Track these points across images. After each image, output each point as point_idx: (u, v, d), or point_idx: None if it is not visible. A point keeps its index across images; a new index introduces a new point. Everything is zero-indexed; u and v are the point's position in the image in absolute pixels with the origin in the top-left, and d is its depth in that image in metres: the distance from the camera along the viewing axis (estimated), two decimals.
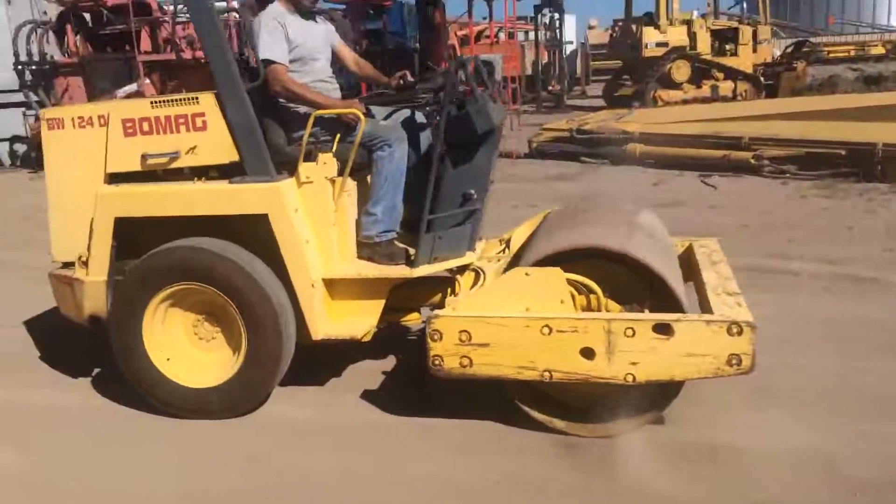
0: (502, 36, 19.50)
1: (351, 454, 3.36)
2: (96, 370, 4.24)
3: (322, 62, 3.96)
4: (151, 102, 3.77)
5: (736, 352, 3.01)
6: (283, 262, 3.61)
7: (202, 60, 12.35)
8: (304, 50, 3.81)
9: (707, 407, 3.44)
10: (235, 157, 3.66)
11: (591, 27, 28.35)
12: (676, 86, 16.65)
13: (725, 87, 16.69)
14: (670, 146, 10.36)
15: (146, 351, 3.67)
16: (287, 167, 3.69)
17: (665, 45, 17.39)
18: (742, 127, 10.38)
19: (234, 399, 3.66)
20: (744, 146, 9.65)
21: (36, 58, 12.58)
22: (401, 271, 3.66)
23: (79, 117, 3.82)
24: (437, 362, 3.24)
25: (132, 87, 11.74)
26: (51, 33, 12.90)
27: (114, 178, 3.79)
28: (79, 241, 3.83)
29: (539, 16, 20.94)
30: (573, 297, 3.33)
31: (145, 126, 3.72)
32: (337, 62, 4.17)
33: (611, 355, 3.09)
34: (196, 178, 3.75)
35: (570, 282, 3.31)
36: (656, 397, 3.29)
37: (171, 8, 12.29)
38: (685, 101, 15.74)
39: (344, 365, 4.18)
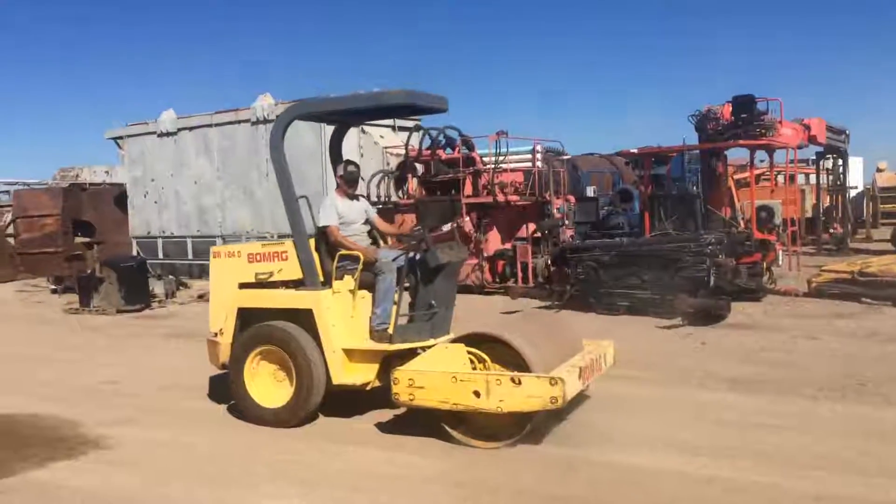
0: (781, 179, 20.03)
1: (332, 444, 5.57)
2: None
3: (357, 225, 6.65)
4: (262, 245, 6.61)
5: (555, 395, 4.92)
6: (319, 336, 5.98)
7: (511, 203, 14.80)
8: (347, 218, 6.53)
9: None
10: (302, 276, 6.23)
11: (879, 170, 27.45)
12: None
13: None
14: None
15: (245, 384, 6.23)
16: (329, 283, 6.14)
17: None
18: None
19: (285, 416, 6.06)
20: None
21: (382, 198, 15.84)
22: (385, 347, 5.95)
23: (227, 252, 6.76)
24: (396, 396, 5.43)
25: (454, 224, 14.31)
26: (393, 180, 16.07)
27: (241, 286, 6.52)
28: (221, 319, 6.54)
29: (821, 161, 21.26)
30: (473, 362, 5.53)
31: (258, 258, 6.51)
32: (370, 223, 6.81)
33: (489, 395, 5.10)
34: (283, 287, 6.38)
35: (470, 353, 5.54)
36: (519, 423, 5.23)
37: (491, 160, 14.92)
38: None
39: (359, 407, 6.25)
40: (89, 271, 14.72)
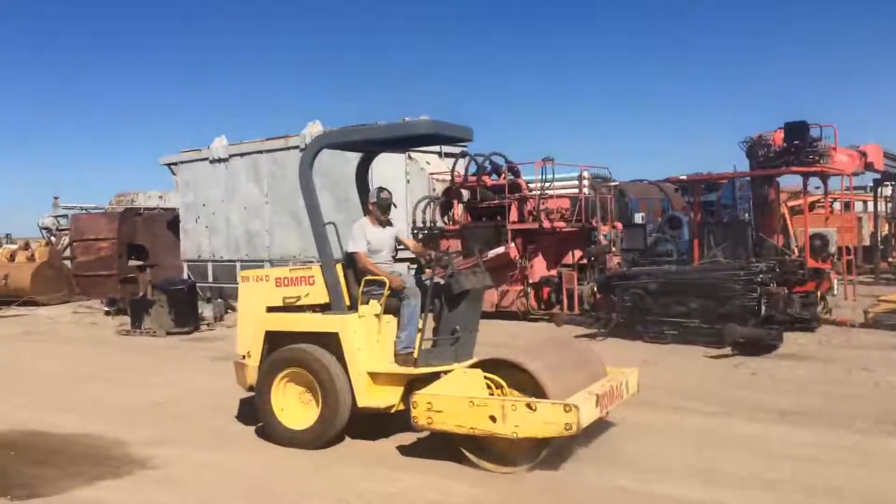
0: (837, 206, 19.57)
1: (363, 468, 5.61)
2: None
3: (384, 253, 6.70)
4: (289, 269, 6.67)
5: (569, 421, 4.86)
6: (344, 359, 6.03)
7: (556, 229, 14.72)
8: (375, 245, 6.60)
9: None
10: (328, 300, 6.29)
11: None
12: None
13: None
14: None
15: (272, 406, 6.30)
16: (355, 307, 6.21)
17: None
18: None
19: (311, 437, 6.10)
20: None
21: (428, 224, 15.92)
22: (409, 370, 5.98)
23: (256, 276, 6.86)
24: (415, 419, 5.45)
25: (500, 249, 14.29)
26: (439, 206, 16.16)
27: (269, 310, 6.61)
28: (249, 342, 6.63)
29: (879, 188, 20.73)
30: (490, 387, 5.56)
31: (286, 282, 6.58)
32: (401, 245, 6.96)
33: (504, 420, 5.08)
34: (310, 311, 6.43)
35: (487, 378, 5.56)
36: (536, 449, 5.21)
37: (537, 186, 14.90)
38: None
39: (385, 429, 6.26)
40: (141, 294, 15.05)
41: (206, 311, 15.54)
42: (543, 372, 5.37)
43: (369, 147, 7.13)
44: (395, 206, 6.97)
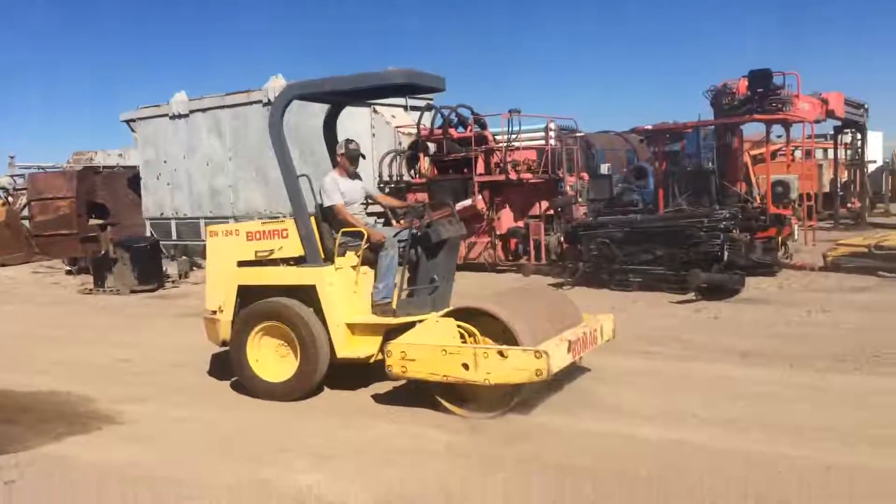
0: (799, 154, 19.81)
1: (338, 418, 5.60)
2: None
3: (355, 205, 6.80)
4: (261, 223, 6.61)
5: (539, 367, 4.92)
6: (323, 311, 6.01)
7: (523, 181, 14.72)
8: (348, 197, 6.63)
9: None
10: (303, 253, 6.25)
11: None
12: None
13: None
14: None
15: (248, 360, 6.26)
16: (331, 259, 6.16)
17: None
18: None
19: (290, 390, 6.08)
20: None
21: (395, 178, 15.81)
22: (389, 320, 5.96)
23: (225, 231, 6.78)
24: (389, 368, 5.51)
25: (467, 202, 14.29)
26: (405, 159, 16.04)
27: (240, 264, 6.54)
28: (220, 298, 6.57)
29: (839, 135, 21.01)
30: (463, 335, 5.56)
31: (258, 235, 6.51)
32: (373, 200, 7.11)
33: (477, 367, 5.16)
34: (283, 264, 6.38)
35: (460, 327, 5.57)
36: (509, 395, 5.30)
37: (504, 139, 14.85)
38: None
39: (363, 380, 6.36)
40: (103, 252, 14.80)
41: (171, 268, 15.37)
42: (515, 319, 5.40)
43: (340, 98, 7.01)
44: (363, 157, 6.92)
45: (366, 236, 6.31)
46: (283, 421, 5.75)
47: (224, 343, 6.62)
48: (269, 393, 6.20)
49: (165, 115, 18.93)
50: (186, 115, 18.59)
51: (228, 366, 6.84)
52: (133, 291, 13.73)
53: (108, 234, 16.87)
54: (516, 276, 13.60)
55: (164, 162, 19.14)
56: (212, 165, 18.29)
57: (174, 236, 18.99)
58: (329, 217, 6.50)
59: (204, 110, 18.32)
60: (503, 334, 5.39)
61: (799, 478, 4.19)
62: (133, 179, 20.43)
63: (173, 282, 14.97)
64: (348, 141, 6.77)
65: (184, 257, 16.46)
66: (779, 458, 4.51)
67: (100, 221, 19.14)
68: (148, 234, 18.84)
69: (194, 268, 16.26)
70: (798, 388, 5.91)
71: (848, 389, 5.86)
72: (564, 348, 5.32)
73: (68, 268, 17.51)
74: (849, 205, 21.33)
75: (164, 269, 14.93)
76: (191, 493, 4.43)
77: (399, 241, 6.34)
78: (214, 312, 6.68)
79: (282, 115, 6.38)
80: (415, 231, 6.34)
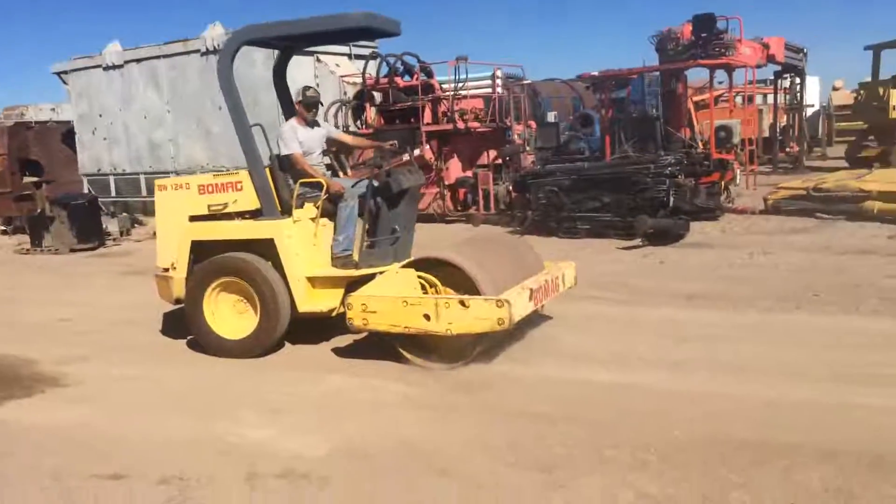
0: (739, 100, 20.07)
1: (297, 373, 5.64)
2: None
3: (315, 154, 6.55)
4: (213, 175, 6.37)
5: (501, 316, 4.89)
6: (282, 265, 5.89)
7: (471, 130, 14.62)
8: (306, 147, 6.43)
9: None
10: (259, 206, 6.09)
11: (835, 89, 27.64)
12: None
13: None
14: None
15: (205, 318, 6.10)
16: (288, 212, 5.99)
17: None
18: None
19: (251, 347, 5.98)
20: None
21: (340, 128, 15.54)
22: (350, 272, 5.90)
23: (175, 185, 6.53)
24: (350, 321, 5.42)
25: (415, 152, 14.14)
26: (351, 109, 15.76)
27: (192, 219, 6.32)
28: (172, 254, 6.38)
29: (779, 80, 21.34)
30: (424, 286, 5.54)
31: (210, 189, 6.29)
32: (337, 144, 6.84)
33: (438, 318, 5.10)
34: (238, 218, 6.20)
35: (421, 278, 5.54)
36: (471, 345, 5.29)
37: (451, 87, 14.68)
38: None
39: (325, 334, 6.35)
40: (39, 211, 14.30)
41: (111, 225, 14.96)
42: (476, 268, 5.36)
43: (293, 43, 6.78)
44: (322, 104, 6.74)
45: (325, 187, 6.16)
46: (238, 377, 5.68)
47: (178, 301, 6.45)
48: (229, 350, 6.08)
49: (99, 66, 18.22)
50: (121, 66, 17.92)
51: (181, 324, 6.73)
52: (73, 250, 13.34)
53: (43, 192, 16.28)
54: (466, 226, 13.60)
55: (100, 116, 18.49)
56: (150, 118, 17.73)
57: (113, 193, 18.45)
58: (287, 167, 6.32)
59: (139, 61, 17.69)
60: (465, 284, 5.36)
61: (745, 416, 4.31)
62: (67, 135, 19.68)
63: (114, 239, 14.59)
64: (306, 88, 6.57)
65: (124, 214, 16.02)
66: (725, 396, 4.63)
67: (34, 179, 18.40)
68: (85, 190, 18.26)
69: (136, 225, 15.87)
70: (743, 329, 6.06)
71: (791, 329, 6.02)
72: (526, 297, 5.30)
73: (3, 227, 16.94)
74: (787, 149, 21.78)
75: (104, 226, 14.52)
76: (139, 451, 4.36)
77: (358, 192, 6.22)
78: (167, 270, 6.49)
79: (231, 61, 6.14)
80: (374, 182, 6.20)
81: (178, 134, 17.38)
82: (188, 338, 6.57)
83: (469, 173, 14.86)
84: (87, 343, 6.95)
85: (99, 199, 15.68)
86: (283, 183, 6.23)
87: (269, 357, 6.06)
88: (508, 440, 4.19)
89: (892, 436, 3.93)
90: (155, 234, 13.94)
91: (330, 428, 4.57)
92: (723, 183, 13.08)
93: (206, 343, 6.22)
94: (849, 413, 4.26)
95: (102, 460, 4.27)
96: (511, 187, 13.51)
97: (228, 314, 6.19)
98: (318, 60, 16.07)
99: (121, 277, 10.59)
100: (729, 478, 3.61)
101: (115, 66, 17.99)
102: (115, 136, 18.30)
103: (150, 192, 17.42)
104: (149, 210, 17.57)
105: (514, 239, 6.90)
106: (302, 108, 6.50)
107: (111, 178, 18.56)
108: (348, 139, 7.19)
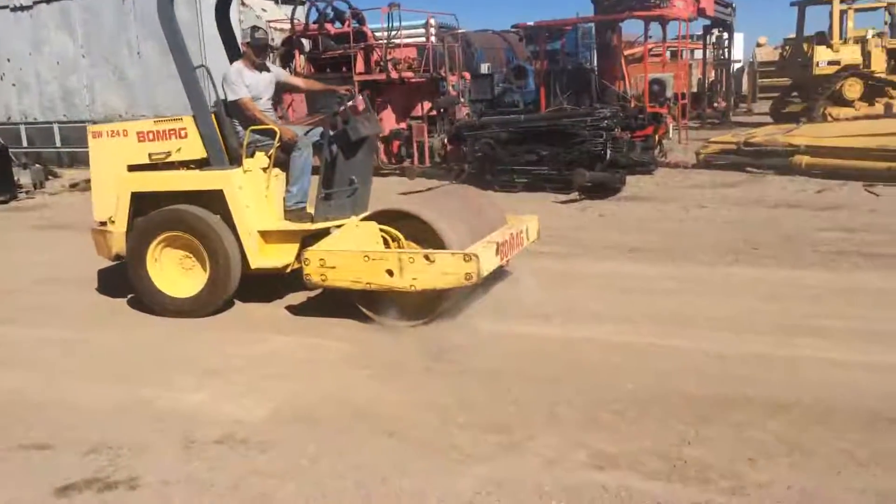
0: (669, 55, 20.22)
1: (242, 332, 5.33)
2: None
3: (263, 100, 6.06)
4: (154, 121, 5.92)
5: (469, 271, 4.72)
6: (232, 219, 5.54)
7: (405, 80, 14.27)
8: (254, 91, 5.95)
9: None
10: (205, 155, 5.72)
11: (759, 45, 28.21)
12: (848, 103, 16.82)
13: None
14: (836, 158, 11.03)
15: (149, 275, 5.74)
16: (237, 161, 5.67)
17: (837, 63, 17.52)
18: None
19: (200, 305, 5.64)
20: None
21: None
22: (306, 226, 5.60)
23: (110, 132, 6.03)
24: (308, 277, 5.13)
25: (349, 103, 13.72)
26: (279, 57, 15.18)
27: (131, 168, 5.90)
28: (110, 207, 5.94)
29: (708, 35, 21.57)
30: (386, 240, 5.26)
31: (151, 136, 5.84)
32: (290, 88, 6.59)
33: (402, 273, 4.87)
34: (182, 168, 5.83)
35: (383, 231, 5.26)
36: (434, 301, 5.07)
37: (384, 35, 14.25)
38: (856, 119, 15.93)
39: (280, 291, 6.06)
40: None
41: (24, 177, 14.07)
42: (441, 221, 5.13)
43: None
44: (272, 47, 6.33)
45: (277, 135, 5.77)
46: (177, 338, 5.36)
47: (118, 257, 6.02)
48: (176, 309, 5.71)
49: (6, 6, 17.01)
50: (30, 7, 16.79)
51: (114, 282, 6.31)
52: None
53: None
54: (401, 179, 13.32)
55: (8, 60, 17.35)
56: (63, 64, 16.71)
57: (25, 143, 17.41)
58: (234, 113, 5.91)
59: (49, 1, 16.57)
60: (427, 238, 5.12)
61: (694, 369, 4.30)
62: None
63: (27, 192, 13.76)
64: (254, 28, 6.16)
65: (37, 165, 15.10)
66: (672, 349, 4.62)
67: None
68: None
69: (50, 177, 15.02)
70: (684, 282, 6.08)
71: (732, 281, 6.07)
72: (493, 251, 5.08)
73: None
74: (714, 104, 22.15)
75: (16, 178, 13.67)
76: (68, 419, 4.07)
77: (312, 140, 5.88)
78: (104, 224, 6.04)
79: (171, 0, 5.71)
80: (330, 129, 5.78)
81: (93, 80, 16.44)
82: (127, 297, 6.19)
83: (403, 125, 14.54)
84: (6, 305, 6.49)
85: (10, 150, 14.74)
86: (230, 130, 5.83)
87: (218, 316, 5.74)
88: (459, 399, 4.07)
89: (840, 388, 3.97)
90: (72, 186, 13.25)
91: (272, 390, 4.36)
92: (657, 137, 13.16)
93: (151, 302, 5.83)
94: (796, 365, 4.28)
95: (28, 429, 3.97)
96: (446, 140, 13.28)
97: (175, 271, 5.82)
98: (244, 4, 15.36)
99: (39, 232, 9.99)
100: (684, 433, 3.57)
101: (22, 7, 16.83)
102: (26, 82, 17.21)
103: (65, 142, 16.71)
104: (64, 161, 16.69)
105: (475, 191, 6.68)
106: (250, 49, 6.05)
107: (22, 127, 17.50)
108: (300, 82, 6.84)
